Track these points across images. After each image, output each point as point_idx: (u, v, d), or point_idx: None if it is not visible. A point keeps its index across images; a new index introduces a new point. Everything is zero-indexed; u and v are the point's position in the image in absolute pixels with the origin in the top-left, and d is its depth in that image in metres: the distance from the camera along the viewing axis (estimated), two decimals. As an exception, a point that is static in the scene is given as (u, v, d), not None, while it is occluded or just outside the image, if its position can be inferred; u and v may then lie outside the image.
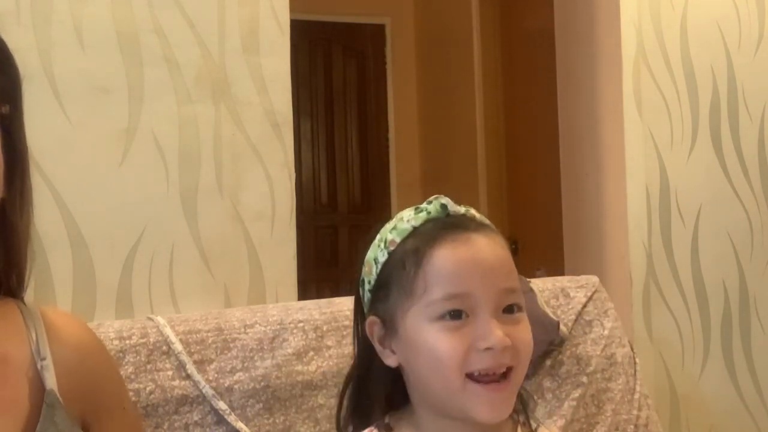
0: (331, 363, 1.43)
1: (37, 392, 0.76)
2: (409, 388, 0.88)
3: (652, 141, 2.05)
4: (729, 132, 2.13)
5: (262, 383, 1.36)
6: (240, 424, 1.31)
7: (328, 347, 1.44)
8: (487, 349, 0.79)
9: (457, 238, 0.84)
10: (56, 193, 1.50)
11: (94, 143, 1.54)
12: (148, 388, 1.29)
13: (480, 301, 0.81)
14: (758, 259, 2.15)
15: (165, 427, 1.29)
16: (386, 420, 0.88)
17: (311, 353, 1.43)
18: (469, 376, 0.80)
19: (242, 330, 1.40)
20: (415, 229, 0.87)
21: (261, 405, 1.35)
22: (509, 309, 0.83)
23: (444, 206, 0.88)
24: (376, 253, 0.88)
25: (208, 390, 1.32)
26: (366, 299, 0.90)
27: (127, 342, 1.33)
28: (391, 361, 0.87)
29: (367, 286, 0.89)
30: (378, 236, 0.90)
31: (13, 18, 1.48)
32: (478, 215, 0.90)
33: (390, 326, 0.86)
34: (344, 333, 1.47)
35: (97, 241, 1.53)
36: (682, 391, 2.04)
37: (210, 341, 1.37)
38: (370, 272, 0.89)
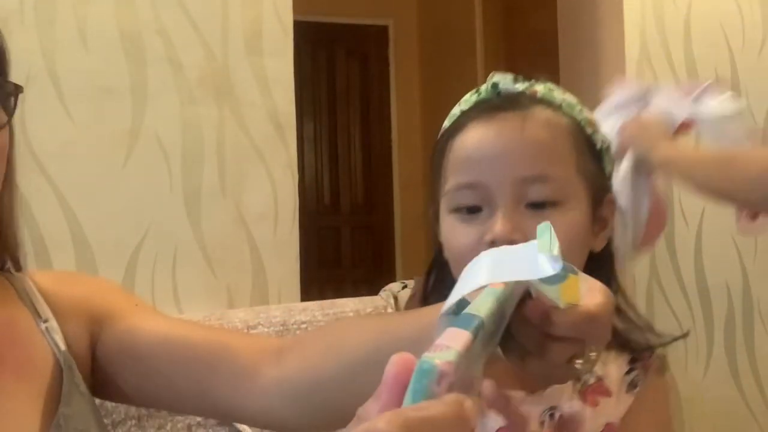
0: (333, 364, 1.43)
1: (47, 354, 0.74)
2: None
3: (655, 142, 2.04)
4: (732, 134, 2.13)
5: (265, 384, 1.36)
6: (243, 425, 1.31)
7: (331, 348, 1.44)
8: (492, 243, 0.69)
9: (489, 120, 0.74)
10: (60, 194, 1.51)
11: (98, 144, 1.54)
12: (150, 389, 1.29)
13: (494, 191, 0.71)
14: (762, 262, 2.14)
15: (168, 428, 1.29)
16: None
17: (314, 354, 1.42)
18: None
19: (245, 331, 1.40)
20: (462, 113, 0.78)
21: (264, 406, 1.35)
22: (538, 204, 0.71)
23: (495, 85, 0.77)
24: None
25: (210, 391, 1.32)
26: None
27: (130, 343, 1.33)
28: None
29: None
30: None
31: (17, 19, 1.48)
32: (542, 90, 0.77)
33: (436, 216, 0.79)
34: (347, 334, 1.47)
35: (100, 241, 1.53)
36: (685, 393, 2.04)
37: (213, 342, 1.37)
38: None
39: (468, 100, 0.79)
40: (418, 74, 4.37)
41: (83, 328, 0.79)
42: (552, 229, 0.50)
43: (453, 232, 0.75)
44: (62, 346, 0.75)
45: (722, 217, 2.14)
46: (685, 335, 0.88)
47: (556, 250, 0.47)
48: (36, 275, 0.81)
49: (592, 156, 0.76)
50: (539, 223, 0.60)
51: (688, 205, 2.07)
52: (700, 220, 2.08)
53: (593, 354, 0.49)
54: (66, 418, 0.70)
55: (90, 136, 1.54)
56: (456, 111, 0.79)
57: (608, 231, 0.79)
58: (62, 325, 0.77)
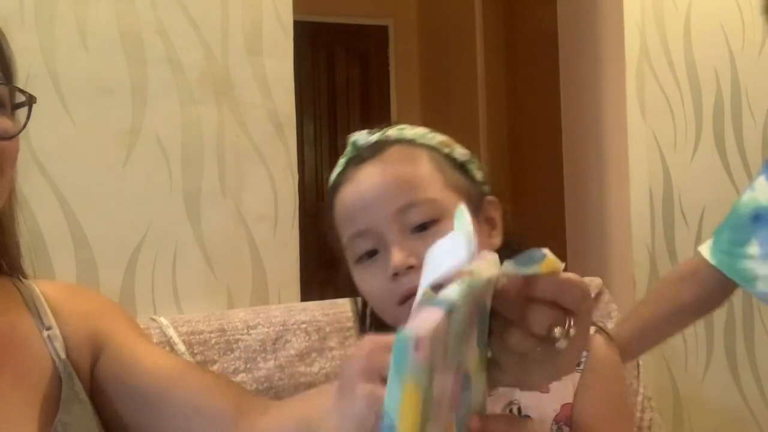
0: (333, 364, 1.43)
1: (47, 362, 0.74)
2: None
3: (655, 143, 2.04)
4: (732, 134, 2.13)
5: (265, 384, 1.36)
6: None
7: (331, 348, 1.44)
8: (395, 275, 0.77)
9: (356, 173, 0.83)
10: (60, 194, 1.51)
11: (98, 144, 1.54)
12: (150, 389, 1.29)
13: (381, 231, 0.79)
14: (762, 261, 2.14)
15: None
16: None
17: (314, 354, 1.42)
18: (405, 304, 0.77)
19: (245, 331, 1.40)
20: (337, 175, 0.87)
21: (264, 406, 1.35)
22: (422, 226, 0.78)
23: (354, 143, 0.87)
24: None
25: (210, 391, 1.32)
26: None
27: (130, 343, 1.33)
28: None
29: None
30: None
31: (17, 19, 1.48)
32: (394, 133, 0.86)
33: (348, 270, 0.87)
34: (347, 334, 1.47)
35: (100, 241, 1.53)
36: (686, 393, 2.04)
37: (213, 342, 1.37)
38: None
39: (339, 164, 0.88)
40: (417, 74, 4.38)
41: (85, 341, 0.78)
42: (464, 210, 0.54)
43: (363, 280, 0.82)
44: (62, 354, 0.75)
45: (722, 217, 2.14)
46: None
47: (469, 233, 0.51)
48: (44, 285, 0.81)
49: (457, 170, 0.84)
50: (429, 242, 0.69)
51: (688, 205, 2.07)
52: (700, 220, 2.08)
53: (572, 326, 0.50)
54: (64, 426, 0.70)
55: (90, 136, 1.54)
56: (332, 177, 0.89)
57: (500, 228, 0.87)
58: (65, 334, 0.77)
